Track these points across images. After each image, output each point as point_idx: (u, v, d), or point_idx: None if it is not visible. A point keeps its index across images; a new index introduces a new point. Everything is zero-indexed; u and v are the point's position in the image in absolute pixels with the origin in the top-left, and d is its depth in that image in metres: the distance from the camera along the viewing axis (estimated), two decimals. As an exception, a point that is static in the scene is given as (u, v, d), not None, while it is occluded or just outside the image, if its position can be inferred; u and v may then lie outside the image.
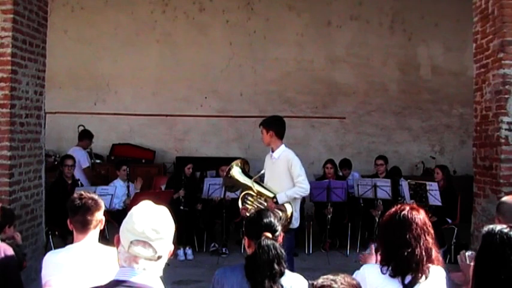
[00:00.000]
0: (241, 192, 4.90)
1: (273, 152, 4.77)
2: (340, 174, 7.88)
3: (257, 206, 4.78)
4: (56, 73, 8.34)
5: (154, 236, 1.68)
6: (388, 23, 9.73)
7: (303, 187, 4.65)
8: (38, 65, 5.36)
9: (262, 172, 4.90)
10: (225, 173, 4.94)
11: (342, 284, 1.75)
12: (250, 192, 4.80)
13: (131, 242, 1.67)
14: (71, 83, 9.47)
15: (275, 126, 4.73)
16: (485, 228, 1.83)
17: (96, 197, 2.78)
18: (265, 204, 4.73)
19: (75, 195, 2.77)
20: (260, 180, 4.88)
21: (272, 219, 2.42)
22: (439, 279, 2.28)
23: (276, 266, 2.25)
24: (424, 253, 2.20)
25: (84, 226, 2.67)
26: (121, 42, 9.48)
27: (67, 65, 9.24)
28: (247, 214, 4.69)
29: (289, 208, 4.67)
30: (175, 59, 9.52)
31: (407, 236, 2.21)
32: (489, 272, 1.68)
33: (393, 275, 2.21)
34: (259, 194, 4.77)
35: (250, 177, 4.82)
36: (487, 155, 5.07)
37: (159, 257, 1.70)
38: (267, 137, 4.71)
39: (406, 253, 2.18)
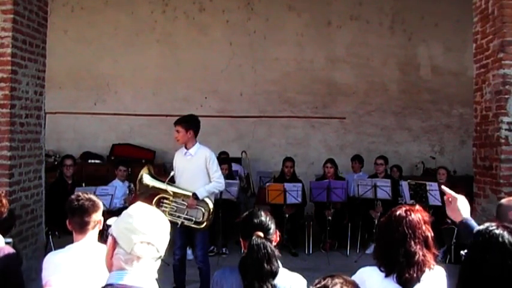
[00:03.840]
0: (152, 197, 4.94)
1: (187, 149, 4.93)
2: (341, 174, 7.87)
3: (176, 207, 4.88)
4: (56, 73, 8.33)
5: (158, 237, 1.71)
6: (388, 23, 9.73)
7: (221, 182, 4.94)
8: (38, 65, 5.36)
9: (172, 174, 5.01)
10: (137, 181, 5.01)
11: (339, 281, 1.75)
12: (165, 195, 4.90)
13: (135, 244, 1.67)
14: (71, 83, 9.47)
15: (194, 126, 4.95)
16: (476, 228, 1.84)
17: (94, 198, 2.78)
18: (185, 203, 4.84)
19: (73, 196, 2.76)
20: (171, 182, 4.99)
21: (263, 219, 2.41)
22: (439, 279, 2.28)
23: (265, 265, 2.23)
24: (418, 254, 2.18)
25: (82, 227, 2.68)
26: (121, 42, 9.48)
27: (67, 65, 9.24)
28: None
29: (210, 203, 4.87)
30: (175, 59, 9.53)
31: (400, 237, 2.20)
32: (473, 268, 1.68)
33: (387, 274, 2.21)
34: (175, 195, 4.88)
35: (161, 181, 4.93)
36: (487, 155, 5.07)
37: (159, 257, 1.73)
38: (185, 136, 4.88)
39: (399, 254, 2.18)
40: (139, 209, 1.75)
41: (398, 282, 2.19)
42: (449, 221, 6.68)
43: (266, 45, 9.58)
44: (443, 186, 2.59)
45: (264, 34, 9.58)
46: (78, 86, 9.51)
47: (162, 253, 1.74)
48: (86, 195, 2.76)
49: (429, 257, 2.21)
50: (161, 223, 1.74)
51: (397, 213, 2.27)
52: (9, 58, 4.79)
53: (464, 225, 2.35)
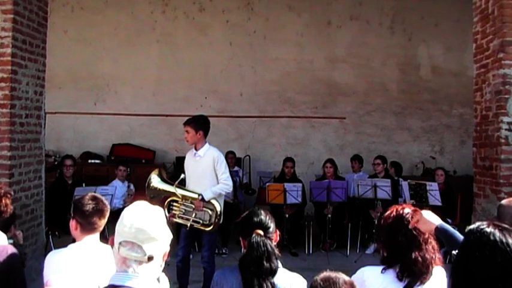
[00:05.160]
0: (165, 200, 4.91)
1: (196, 150, 4.88)
2: (341, 174, 7.87)
3: (184, 210, 4.84)
4: (56, 73, 8.34)
5: (143, 236, 1.63)
6: (388, 23, 9.73)
7: (228, 184, 4.85)
8: (38, 65, 5.36)
9: (182, 176, 4.92)
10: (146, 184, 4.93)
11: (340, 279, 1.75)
12: (175, 198, 4.85)
13: (120, 243, 1.64)
14: (71, 83, 9.47)
15: (204, 126, 4.89)
16: (458, 235, 1.84)
17: (105, 200, 2.79)
18: (193, 206, 4.80)
19: (87, 197, 2.73)
20: (182, 184, 4.93)
21: (263, 217, 2.42)
22: (439, 279, 2.29)
23: (265, 263, 2.23)
24: (432, 255, 2.21)
25: (96, 228, 2.69)
26: (121, 42, 9.49)
27: (67, 65, 9.24)
28: (175, 220, 4.82)
29: (217, 205, 4.80)
30: (175, 59, 9.53)
31: (420, 239, 2.22)
32: (464, 267, 1.67)
33: (401, 278, 2.21)
34: (184, 197, 4.83)
35: (171, 184, 4.86)
36: (487, 155, 5.07)
37: (149, 258, 1.64)
38: (195, 137, 4.84)
39: (417, 256, 2.19)
40: (131, 209, 1.69)
41: (407, 282, 2.20)
42: (449, 220, 6.70)
43: (266, 45, 9.58)
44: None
45: (264, 34, 9.59)
46: (78, 86, 9.51)
47: (153, 254, 1.66)
48: (101, 197, 2.76)
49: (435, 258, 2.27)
50: (151, 224, 1.66)
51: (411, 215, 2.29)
52: (9, 58, 4.79)
53: (439, 230, 2.34)
